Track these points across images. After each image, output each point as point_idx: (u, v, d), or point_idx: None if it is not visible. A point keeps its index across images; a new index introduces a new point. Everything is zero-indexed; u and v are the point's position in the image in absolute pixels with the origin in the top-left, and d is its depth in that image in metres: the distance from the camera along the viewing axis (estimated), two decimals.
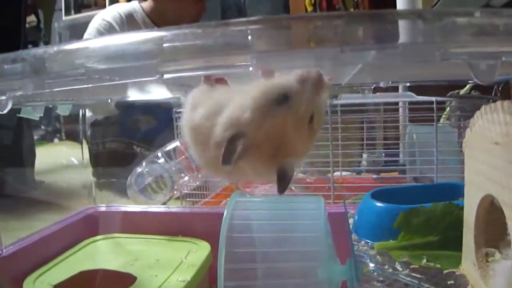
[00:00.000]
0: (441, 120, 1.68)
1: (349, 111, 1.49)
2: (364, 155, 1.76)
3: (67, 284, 0.98)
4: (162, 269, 1.02)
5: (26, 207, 2.06)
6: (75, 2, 5.31)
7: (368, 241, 0.97)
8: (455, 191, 0.98)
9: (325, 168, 1.42)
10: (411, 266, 0.86)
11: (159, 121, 2.18)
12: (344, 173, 1.64)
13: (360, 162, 1.77)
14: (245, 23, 0.37)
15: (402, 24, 0.38)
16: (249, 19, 0.36)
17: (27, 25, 2.82)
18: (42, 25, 3.38)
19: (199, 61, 0.41)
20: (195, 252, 1.12)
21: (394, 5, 2.22)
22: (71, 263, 1.09)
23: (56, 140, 4.32)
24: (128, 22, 2.43)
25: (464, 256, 0.83)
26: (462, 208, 0.84)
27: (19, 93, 0.54)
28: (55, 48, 0.44)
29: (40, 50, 0.45)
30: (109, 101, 1.14)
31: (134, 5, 2.51)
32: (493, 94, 1.64)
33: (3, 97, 0.55)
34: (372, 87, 0.96)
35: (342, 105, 1.40)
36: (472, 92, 1.78)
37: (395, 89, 1.91)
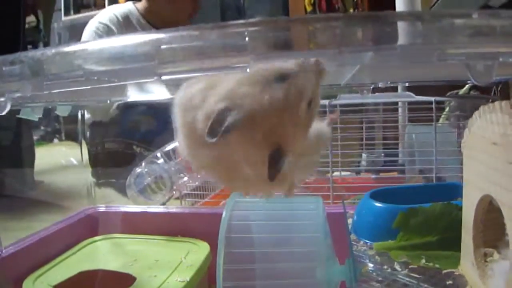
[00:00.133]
0: (440, 120, 1.68)
1: (348, 111, 1.49)
2: (363, 155, 1.76)
3: (67, 285, 0.98)
4: (162, 270, 1.02)
5: (26, 207, 2.06)
6: (74, 3, 5.32)
7: (367, 241, 0.97)
8: (454, 191, 0.99)
9: (324, 168, 1.42)
10: (410, 266, 0.86)
11: (159, 121, 2.18)
12: (343, 173, 1.64)
13: (359, 162, 1.77)
14: (242, 25, 0.37)
15: (400, 26, 0.38)
16: (246, 21, 0.36)
17: (26, 26, 2.81)
18: (41, 26, 3.38)
19: (196, 63, 0.41)
20: (195, 252, 1.12)
21: (393, 5, 2.22)
22: (71, 263, 1.09)
23: (55, 140, 4.32)
24: (125, 24, 2.45)
25: (462, 256, 0.83)
26: (461, 208, 0.84)
27: (17, 94, 0.54)
28: (53, 50, 0.44)
29: (38, 52, 0.45)
30: (108, 101, 1.14)
31: (129, 7, 2.53)
32: (492, 94, 1.64)
33: (2, 99, 0.55)
34: (371, 87, 0.96)
35: (341, 105, 1.40)
36: (471, 92, 1.78)
37: (394, 89, 1.92)
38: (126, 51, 0.41)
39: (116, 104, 2.14)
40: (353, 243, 0.96)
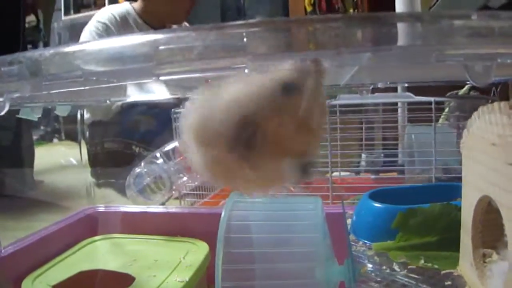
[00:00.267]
0: (440, 120, 1.69)
1: (347, 111, 1.49)
2: (363, 156, 1.76)
3: (66, 285, 0.98)
4: (161, 270, 1.02)
5: (25, 207, 2.05)
6: (74, 2, 5.33)
7: (366, 241, 0.97)
8: (453, 191, 0.98)
9: (323, 168, 1.42)
10: (409, 267, 0.86)
11: (158, 121, 2.18)
12: (343, 173, 1.65)
13: (359, 162, 1.77)
14: (240, 26, 0.37)
15: (399, 27, 0.38)
16: (244, 22, 0.36)
17: (26, 25, 2.82)
18: (41, 25, 3.38)
19: (194, 63, 0.41)
20: (194, 252, 1.12)
21: (393, 5, 2.22)
22: (70, 263, 1.09)
23: (55, 140, 4.32)
24: (122, 24, 2.46)
25: (461, 256, 0.83)
26: (460, 209, 0.84)
27: (16, 95, 0.54)
28: (51, 51, 0.44)
29: (36, 53, 0.45)
30: (108, 102, 1.14)
31: (127, 7, 2.54)
32: (491, 94, 1.65)
33: (1, 99, 0.55)
34: (371, 88, 0.96)
35: (340, 105, 1.40)
36: (471, 92, 1.79)
37: (394, 89, 1.92)
38: (124, 51, 0.41)
39: (116, 104, 2.15)
40: (352, 243, 0.96)
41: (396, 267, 0.86)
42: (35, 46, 3.06)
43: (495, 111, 0.66)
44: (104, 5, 4.60)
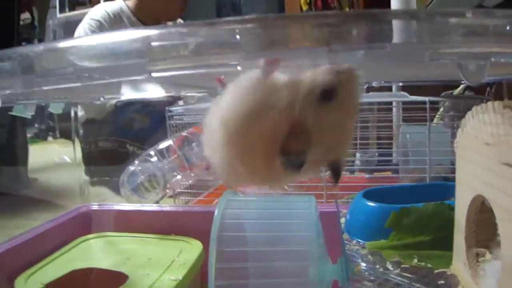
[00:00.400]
0: (435, 120, 1.69)
1: None
2: (357, 155, 1.76)
3: (59, 283, 0.98)
4: (154, 268, 1.02)
5: (19, 205, 2.05)
6: (69, 0, 5.31)
7: (359, 240, 0.97)
8: (447, 191, 0.98)
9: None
10: (402, 266, 0.86)
11: (152, 119, 2.18)
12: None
13: (353, 161, 1.77)
14: (233, 22, 0.37)
15: (394, 24, 0.38)
16: (237, 18, 0.36)
17: (21, 22, 2.81)
18: (36, 23, 3.37)
19: (187, 60, 0.41)
20: (187, 251, 1.12)
21: (388, 4, 2.23)
22: (63, 261, 1.08)
23: (49, 138, 4.31)
24: (116, 21, 2.46)
25: (455, 256, 0.83)
26: (453, 208, 0.84)
27: (8, 91, 0.53)
28: (42, 47, 0.44)
29: (27, 49, 0.45)
30: (102, 99, 1.14)
31: (120, 4, 2.54)
32: (486, 94, 1.65)
33: None
34: (365, 87, 0.96)
35: None
36: (466, 92, 1.79)
37: (389, 88, 1.92)
38: (116, 47, 0.41)
39: (110, 102, 2.14)
40: (346, 242, 0.96)
41: (389, 266, 0.86)
42: (29, 43, 3.05)
43: (489, 111, 0.66)
44: (98, 2, 4.59)
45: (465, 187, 0.77)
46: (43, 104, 1.15)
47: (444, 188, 1.08)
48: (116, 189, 1.40)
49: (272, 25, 0.37)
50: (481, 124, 0.69)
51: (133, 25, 2.48)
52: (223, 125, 0.52)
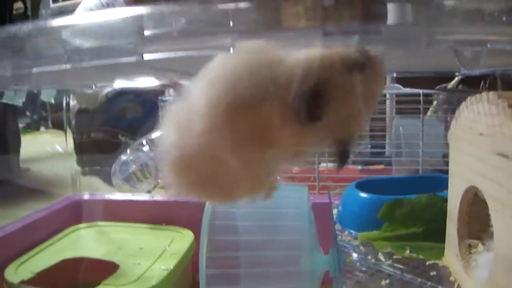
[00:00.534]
0: (428, 113, 1.69)
1: None
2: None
3: (49, 272, 0.98)
4: (145, 257, 1.02)
5: (11, 195, 2.04)
6: None
7: (351, 231, 0.97)
8: (440, 183, 0.98)
9: (310, 158, 1.42)
10: (394, 257, 0.86)
11: (145, 109, 2.17)
12: (329, 164, 1.64)
13: None
14: (226, 1, 0.36)
15: (389, 7, 0.37)
16: None
17: (14, 12, 2.79)
18: (29, 12, 3.35)
19: (179, 41, 0.40)
20: (179, 240, 1.12)
21: None
22: (54, 251, 1.08)
23: (42, 128, 4.29)
24: None
25: (447, 247, 0.83)
26: (446, 200, 0.84)
27: None
28: (31, 26, 0.43)
29: (15, 28, 0.44)
30: (94, 87, 1.13)
31: None
32: (480, 88, 1.65)
33: None
34: None
35: None
36: (460, 86, 1.79)
37: None
38: (107, 26, 0.40)
39: (104, 92, 2.13)
40: (338, 233, 0.96)
41: (381, 257, 0.86)
42: None
43: (484, 101, 0.65)
44: None
45: (459, 178, 0.77)
46: (34, 91, 1.14)
47: (437, 180, 1.08)
48: (107, 179, 1.40)
49: (267, 5, 0.36)
50: (475, 114, 0.68)
51: None
52: (214, 107, 0.50)
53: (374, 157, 1.72)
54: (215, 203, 0.75)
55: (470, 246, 0.76)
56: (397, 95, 1.58)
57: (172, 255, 1.03)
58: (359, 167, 1.69)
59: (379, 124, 1.70)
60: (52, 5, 5.20)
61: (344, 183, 1.33)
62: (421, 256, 0.86)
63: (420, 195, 0.94)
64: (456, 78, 1.68)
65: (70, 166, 1.52)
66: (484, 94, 0.65)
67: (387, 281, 0.80)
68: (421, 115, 1.37)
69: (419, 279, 0.78)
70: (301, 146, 0.54)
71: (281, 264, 0.74)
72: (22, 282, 0.91)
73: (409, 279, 0.79)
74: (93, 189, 1.47)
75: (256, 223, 0.78)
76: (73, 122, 2.14)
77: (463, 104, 0.74)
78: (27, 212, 1.20)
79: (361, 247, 0.91)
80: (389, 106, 1.71)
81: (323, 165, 1.56)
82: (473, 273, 0.72)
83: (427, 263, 0.84)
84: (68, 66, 0.47)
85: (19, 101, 0.97)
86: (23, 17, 3.29)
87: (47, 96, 1.14)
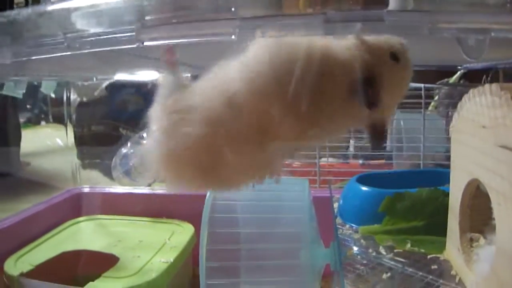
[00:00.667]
0: (430, 108, 1.68)
1: None
2: (351, 141, 1.75)
3: (49, 265, 0.98)
4: (145, 250, 1.02)
5: (11, 188, 2.04)
6: None
7: (352, 225, 0.96)
8: (441, 177, 0.98)
9: (311, 153, 1.42)
10: (395, 251, 0.86)
11: (146, 101, 2.15)
12: (330, 159, 1.64)
13: (347, 148, 1.76)
14: None
15: None
16: None
17: (15, 6, 2.79)
18: (30, 6, 3.34)
19: (181, 27, 0.40)
20: (179, 233, 1.12)
21: None
22: (54, 243, 1.08)
23: (42, 122, 4.29)
24: None
25: (448, 241, 0.83)
26: (447, 194, 0.84)
27: None
28: (30, 10, 0.43)
29: (13, 13, 0.43)
30: (94, 80, 1.12)
31: None
32: (482, 83, 1.64)
33: None
34: None
35: None
36: (461, 81, 1.78)
37: None
38: (107, 12, 0.40)
39: (104, 84, 2.13)
40: (339, 226, 0.96)
41: (382, 251, 0.86)
42: None
43: (486, 93, 0.65)
44: None
45: (460, 171, 0.76)
46: (35, 83, 1.14)
47: (438, 174, 1.08)
48: (108, 172, 1.40)
49: None
50: (477, 106, 0.68)
51: None
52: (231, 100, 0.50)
53: (375, 151, 1.72)
54: (216, 190, 0.76)
55: (471, 239, 0.76)
56: None
57: (172, 248, 1.03)
58: (360, 161, 1.69)
59: None
60: None
61: (345, 177, 1.32)
62: (422, 250, 0.85)
63: (421, 189, 0.94)
64: (458, 73, 1.67)
65: (70, 160, 1.52)
66: (486, 86, 0.65)
67: (388, 274, 0.79)
68: (422, 110, 1.37)
69: (420, 273, 0.78)
70: (342, 128, 0.56)
71: (281, 257, 0.73)
72: (22, 274, 0.91)
73: (410, 272, 0.79)
74: (93, 183, 1.47)
75: (256, 216, 0.77)
76: (73, 116, 2.13)
77: (466, 97, 0.73)
78: (28, 205, 1.20)
79: (362, 241, 0.91)
80: None
81: (323, 159, 1.56)
82: (475, 267, 0.71)
83: (428, 256, 0.83)
84: (68, 53, 0.46)
85: (19, 92, 0.97)
86: None
87: (47, 88, 1.13)
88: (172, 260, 0.96)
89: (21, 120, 3.12)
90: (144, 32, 0.41)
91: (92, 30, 0.42)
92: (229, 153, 0.53)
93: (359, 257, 0.85)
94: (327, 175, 1.46)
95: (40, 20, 0.43)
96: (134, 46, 0.42)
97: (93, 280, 0.88)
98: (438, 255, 0.84)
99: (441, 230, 0.84)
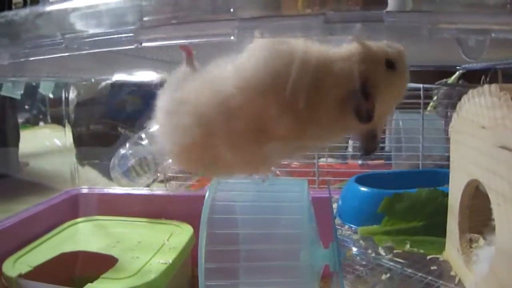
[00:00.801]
0: (428, 108, 1.68)
1: None
2: (350, 142, 1.75)
3: (47, 266, 0.97)
4: (144, 251, 1.01)
5: (10, 189, 2.03)
6: None
7: (351, 225, 0.96)
8: (440, 178, 0.98)
9: (310, 153, 1.41)
10: (395, 251, 0.86)
11: (145, 102, 2.15)
12: (329, 159, 1.64)
13: (346, 148, 1.76)
14: None
15: None
16: None
17: (13, 6, 2.78)
18: (28, 6, 3.33)
19: (179, 28, 0.40)
20: (178, 234, 1.11)
21: None
22: (52, 244, 1.08)
23: (41, 123, 4.28)
24: None
25: (448, 242, 0.83)
26: (446, 194, 0.84)
27: None
28: (28, 11, 0.43)
29: (11, 13, 0.43)
30: (93, 80, 1.12)
31: None
32: (481, 83, 1.64)
33: None
34: None
35: None
36: (460, 81, 1.78)
37: None
38: (106, 13, 0.40)
39: (101, 84, 2.12)
40: (338, 227, 0.96)
41: (381, 251, 0.86)
42: None
43: (486, 94, 0.65)
44: None
45: (460, 171, 0.76)
46: (33, 83, 1.13)
47: (437, 175, 1.08)
48: (106, 173, 1.39)
49: None
50: (477, 107, 0.68)
51: None
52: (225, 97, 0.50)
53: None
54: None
55: (471, 240, 0.75)
56: None
57: (171, 249, 1.03)
58: (359, 162, 1.69)
59: None
60: None
61: (344, 178, 1.32)
62: (421, 251, 0.85)
63: (420, 189, 0.94)
64: (457, 73, 1.67)
65: (69, 161, 1.52)
66: (486, 86, 0.64)
67: (388, 275, 0.79)
68: (421, 110, 1.37)
69: (420, 274, 0.78)
70: (334, 135, 0.56)
71: (280, 258, 0.73)
72: (20, 275, 0.91)
73: (409, 273, 0.79)
74: (92, 183, 1.47)
75: (255, 216, 0.77)
76: (72, 116, 2.13)
77: (465, 97, 0.73)
78: (26, 206, 1.20)
79: (361, 242, 0.91)
80: None
81: (322, 160, 1.56)
82: (474, 268, 0.71)
83: (428, 257, 0.83)
84: (66, 54, 0.46)
85: (18, 93, 0.97)
86: None
87: (46, 89, 1.13)
88: (171, 261, 0.96)
89: (20, 120, 3.12)
90: (143, 33, 0.41)
91: (91, 31, 0.42)
92: (225, 150, 0.54)
93: (358, 258, 0.85)
94: (326, 175, 1.46)
95: (38, 20, 0.43)
96: (133, 47, 0.42)
97: (91, 282, 0.88)
98: (438, 256, 0.84)
99: (440, 230, 0.84)
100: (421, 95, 1.35)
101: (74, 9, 0.42)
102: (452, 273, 0.78)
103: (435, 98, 1.69)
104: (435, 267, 0.80)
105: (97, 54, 0.49)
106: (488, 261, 0.66)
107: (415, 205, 0.92)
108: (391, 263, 0.82)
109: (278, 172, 1.42)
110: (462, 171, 0.75)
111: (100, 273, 0.91)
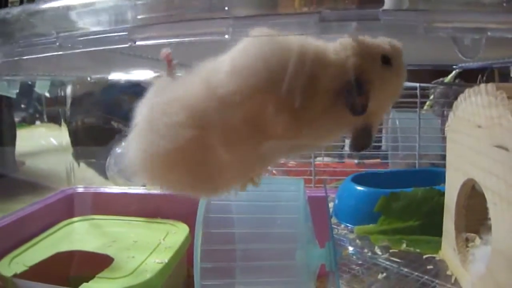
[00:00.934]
0: (425, 107, 1.68)
1: None
2: (347, 141, 1.75)
3: (43, 266, 0.97)
4: (140, 251, 1.01)
5: (6, 188, 2.03)
6: None
7: (348, 225, 0.96)
8: (436, 177, 0.98)
9: (306, 152, 1.41)
10: (391, 251, 0.86)
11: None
12: (326, 158, 1.64)
13: (342, 147, 1.76)
14: None
15: None
16: None
17: (9, 6, 2.77)
18: (24, 4, 3.32)
19: (173, 27, 0.39)
20: (174, 234, 1.11)
21: None
22: (48, 244, 1.07)
23: (37, 122, 4.27)
24: None
25: (444, 241, 0.83)
26: (443, 194, 0.84)
27: None
28: (20, 9, 0.42)
29: (2, 12, 0.43)
30: (89, 79, 1.12)
31: None
32: (477, 82, 1.64)
33: None
34: None
35: None
36: (457, 80, 1.78)
37: None
38: (100, 11, 0.40)
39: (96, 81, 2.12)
40: (334, 226, 0.96)
41: (377, 251, 0.86)
42: None
43: (482, 93, 0.64)
44: None
45: (456, 171, 0.76)
46: (29, 82, 1.13)
47: (433, 174, 1.08)
48: (103, 172, 1.39)
49: None
50: (473, 106, 0.68)
51: None
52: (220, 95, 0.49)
53: (370, 151, 1.71)
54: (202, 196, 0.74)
55: (467, 239, 0.75)
56: None
57: (167, 249, 1.02)
58: (355, 161, 1.69)
59: None
60: None
61: (340, 177, 1.32)
62: (417, 250, 0.85)
63: (417, 189, 0.94)
64: (453, 72, 1.67)
65: (65, 160, 1.51)
66: (482, 86, 0.64)
67: (384, 274, 0.79)
68: (417, 109, 1.37)
69: (416, 273, 0.78)
70: (326, 132, 0.55)
71: (276, 258, 0.73)
72: (15, 275, 0.91)
73: (405, 273, 0.78)
74: (88, 182, 1.47)
75: (251, 216, 0.77)
76: (68, 113, 2.12)
77: (461, 96, 0.73)
78: (22, 206, 1.20)
79: (357, 241, 0.91)
80: None
81: (319, 159, 1.56)
82: (470, 267, 0.71)
83: (424, 257, 0.83)
84: (60, 52, 0.46)
85: (13, 92, 0.96)
86: None
87: (42, 87, 1.13)
88: (166, 260, 0.96)
89: (16, 119, 3.12)
90: (137, 32, 0.41)
91: (85, 29, 0.42)
92: (218, 149, 0.53)
93: (354, 257, 0.85)
94: (322, 174, 1.46)
95: (32, 19, 0.43)
96: (127, 45, 0.42)
97: (87, 281, 0.87)
98: (434, 255, 0.84)
99: (436, 230, 0.84)
100: (418, 94, 1.35)
101: (68, 8, 0.41)
102: (449, 272, 0.78)
103: (431, 97, 1.69)
104: (431, 267, 0.80)
105: (93, 52, 0.49)
106: (484, 261, 0.66)
107: (412, 204, 0.92)
108: (387, 263, 0.81)
109: (274, 171, 1.42)
110: (458, 170, 0.75)
111: (96, 272, 0.91)
